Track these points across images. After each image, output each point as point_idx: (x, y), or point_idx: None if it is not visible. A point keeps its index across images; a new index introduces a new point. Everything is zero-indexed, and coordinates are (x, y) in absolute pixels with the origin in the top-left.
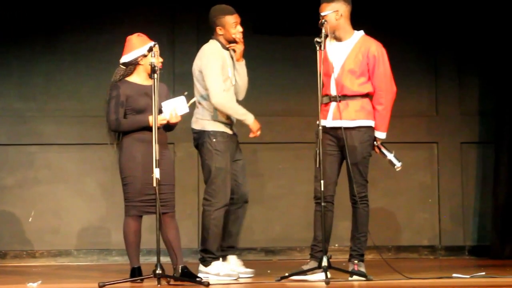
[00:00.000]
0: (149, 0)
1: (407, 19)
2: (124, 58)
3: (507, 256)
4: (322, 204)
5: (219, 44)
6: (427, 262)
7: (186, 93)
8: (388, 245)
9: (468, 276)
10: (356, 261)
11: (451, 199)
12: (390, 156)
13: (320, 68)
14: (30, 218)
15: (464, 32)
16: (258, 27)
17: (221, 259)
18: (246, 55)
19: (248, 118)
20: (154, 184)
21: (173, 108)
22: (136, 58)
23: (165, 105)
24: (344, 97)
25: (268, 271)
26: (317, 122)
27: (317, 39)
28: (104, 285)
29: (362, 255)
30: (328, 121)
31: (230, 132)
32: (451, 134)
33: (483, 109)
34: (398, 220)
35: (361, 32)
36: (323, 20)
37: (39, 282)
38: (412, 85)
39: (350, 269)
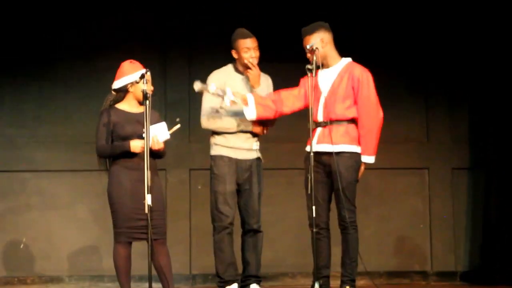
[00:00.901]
0: (141, 28)
1: (398, 47)
2: (115, 84)
3: (498, 281)
4: (314, 230)
5: (231, 68)
6: None
7: (178, 119)
8: (380, 270)
9: None
10: (347, 287)
11: (442, 224)
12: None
13: (311, 94)
14: (22, 245)
15: (454, 60)
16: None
17: (235, 285)
18: None
19: (247, 127)
20: (146, 211)
21: (155, 135)
22: (126, 85)
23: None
24: (330, 122)
25: None
26: (306, 148)
27: (308, 66)
28: None
29: (354, 280)
30: (313, 146)
31: (232, 156)
32: (442, 160)
33: (474, 135)
34: (389, 245)
35: (349, 59)
36: (314, 47)
37: None
38: (403, 111)
39: None
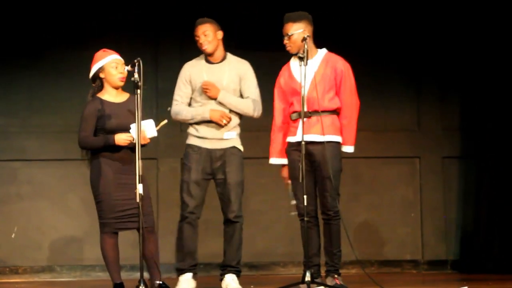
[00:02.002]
0: (133, 17)
1: (390, 36)
2: (90, 75)
3: (489, 270)
4: (305, 219)
5: (203, 59)
6: (409, 277)
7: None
8: (371, 259)
9: None
10: (336, 275)
11: (433, 213)
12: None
13: (303, 82)
14: (13, 234)
15: (446, 48)
16: (241, 42)
17: (189, 274)
18: None
19: (205, 113)
20: (138, 200)
21: (142, 130)
22: (97, 72)
23: (133, 126)
24: (314, 112)
25: (251, 287)
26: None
27: (300, 55)
28: None
29: (339, 269)
30: (298, 136)
31: (202, 145)
32: (433, 149)
33: (465, 124)
34: (380, 234)
35: (324, 50)
36: (305, 36)
37: None
38: (394, 100)
39: (332, 283)
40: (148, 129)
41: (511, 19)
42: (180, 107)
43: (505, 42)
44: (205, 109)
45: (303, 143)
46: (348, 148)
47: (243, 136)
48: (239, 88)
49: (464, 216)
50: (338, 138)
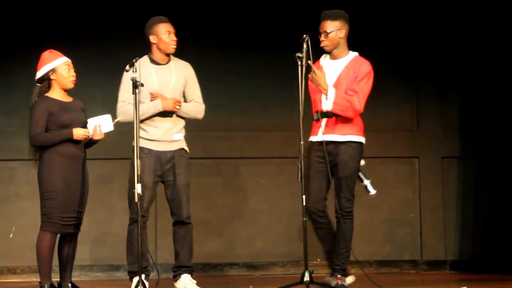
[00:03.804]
0: (133, 17)
1: (389, 36)
2: (37, 75)
3: (489, 270)
4: (304, 219)
5: (147, 59)
6: (408, 277)
7: (116, 120)
8: (370, 259)
9: None
10: (339, 276)
11: (432, 213)
12: (367, 182)
13: (301, 83)
14: (11, 234)
15: (445, 48)
16: (240, 42)
17: (142, 276)
18: (228, 70)
19: (157, 105)
20: (136, 200)
21: (98, 125)
22: (47, 73)
23: (90, 121)
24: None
25: (250, 287)
26: (300, 139)
27: (298, 54)
28: None
29: (345, 269)
30: (319, 136)
31: (153, 148)
32: (432, 149)
33: (464, 124)
34: (379, 234)
35: (355, 53)
36: (321, 32)
37: None
38: (394, 100)
39: (333, 284)
40: (105, 124)
41: (511, 19)
42: (127, 106)
43: (505, 42)
44: (155, 102)
45: (301, 143)
46: (326, 104)
47: (242, 136)
48: (183, 90)
49: (463, 216)
50: (359, 138)
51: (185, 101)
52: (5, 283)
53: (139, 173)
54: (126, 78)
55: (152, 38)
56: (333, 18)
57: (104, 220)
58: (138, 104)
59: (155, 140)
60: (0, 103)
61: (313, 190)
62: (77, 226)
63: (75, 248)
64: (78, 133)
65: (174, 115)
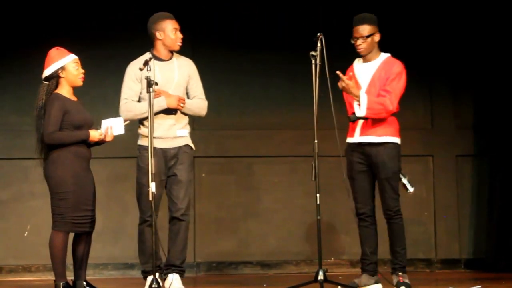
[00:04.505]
0: (133, 17)
1: (402, 34)
2: (45, 72)
3: (502, 269)
4: (318, 217)
5: (150, 56)
6: (423, 275)
7: (126, 122)
8: (384, 258)
9: None
10: (400, 273)
11: (446, 212)
12: (404, 180)
13: (315, 81)
14: (26, 232)
15: (459, 47)
16: (251, 41)
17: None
18: (241, 69)
19: (160, 102)
20: (150, 198)
21: (110, 127)
22: (56, 71)
23: (104, 123)
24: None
25: (264, 285)
26: (314, 137)
27: (312, 53)
28: None
29: (404, 266)
30: (356, 138)
31: (157, 146)
32: (446, 147)
33: (478, 122)
34: None
35: (388, 54)
36: (357, 37)
37: None
38: (408, 98)
39: (395, 281)
40: (116, 127)
41: None
42: (131, 103)
43: None
44: (159, 99)
45: (315, 141)
46: (360, 112)
47: (255, 134)
48: (186, 86)
49: (477, 214)
50: (395, 139)
51: (187, 97)
52: (20, 282)
53: (153, 172)
54: (128, 75)
55: (158, 34)
56: (370, 22)
57: (118, 219)
58: (153, 102)
59: (158, 138)
60: (14, 102)
61: (360, 189)
62: (91, 225)
63: (89, 246)
64: (94, 135)
65: (178, 112)
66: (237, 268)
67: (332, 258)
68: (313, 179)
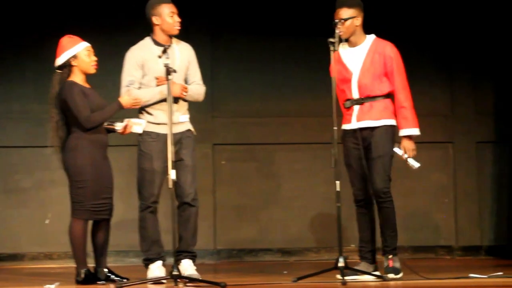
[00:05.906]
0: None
1: (422, 20)
2: (58, 61)
3: None
4: (337, 204)
5: (149, 41)
6: (444, 262)
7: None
8: (405, 245)
9: (485, 276)
10: (390, 256)
11: (467, 199)
12: (406, 156)
13: (332, 67)
14: (47, 220)
15: (479, 32)
16: (271, 29)
17: (158, 262)
18: (261, 57)
19: (164, 90)
20: (170, 186)
21: (131, 122)
22: (68, 59)
23: (127, 120)
24: (367, 98)
25: (284, 272)
26: (334, 124)
27: (331, 39)
28: (121, 287)
29: (395, 249)
30: (353, 124)
31: (161, 131)
32: (466, 134)
33: (499, 108)
34: (414, 220)
35: (373, 36)
36: (337, 20)
37: (57, 283)
38: (427, 84)
39: (384, 265)
40: (137, 125)
41: None
42: (133, 91)
43: None
44: (162, 87)
45: (334, 128)
46: (414, 131)
47: (276, 122)
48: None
49: (498, 201)
50: (392, 122)
51: (186, 82)
52: (42, 269)
53: (173, 160)
54: (129, 61)
55: (155, 19)
56: (349, 5)
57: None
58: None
59: (162, 124)
60: (35, 90)
61: (357, 176)
62: (109, 212)
63: (109, 233)
64: (127, 100)
65: (179, 98)
66: (258, 255)
67: (353, 245)
68: (333, 166)
